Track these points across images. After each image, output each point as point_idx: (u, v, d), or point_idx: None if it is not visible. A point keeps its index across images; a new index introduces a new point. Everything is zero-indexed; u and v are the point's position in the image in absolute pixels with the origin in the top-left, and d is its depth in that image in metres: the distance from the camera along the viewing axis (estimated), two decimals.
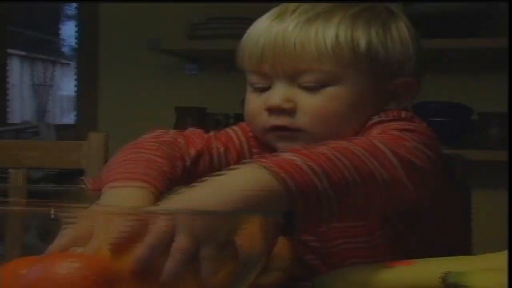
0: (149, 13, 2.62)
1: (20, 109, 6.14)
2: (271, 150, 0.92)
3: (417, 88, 0.98)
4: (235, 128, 1.03)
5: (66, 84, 6.27)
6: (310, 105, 0.90)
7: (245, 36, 0.96)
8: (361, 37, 0.90)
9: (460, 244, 1.09)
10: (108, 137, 1.32)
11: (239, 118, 2.32)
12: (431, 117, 2.17)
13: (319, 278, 0.75)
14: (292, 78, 0.90)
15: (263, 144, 0.98)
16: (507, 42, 1.94)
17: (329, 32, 0.89)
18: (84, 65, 2.75)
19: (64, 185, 2.04)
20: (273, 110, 0.91)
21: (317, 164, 0.71)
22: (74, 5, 3.54)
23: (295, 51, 0.88)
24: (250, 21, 2.62)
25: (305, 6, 0.93)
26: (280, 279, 0.77)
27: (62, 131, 2.75)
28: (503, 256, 0.69)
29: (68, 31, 6.33)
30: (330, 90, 0.90)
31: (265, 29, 0.92)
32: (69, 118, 5.20)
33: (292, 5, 0.93)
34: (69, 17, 6.23)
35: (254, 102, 0.95)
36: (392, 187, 0.78)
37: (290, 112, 0.90)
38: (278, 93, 0.90)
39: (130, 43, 2.61)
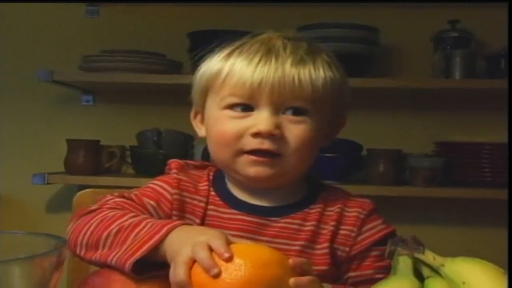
0: (43, 44, 2.58)
1: None
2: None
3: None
4: (160, 183, 1.05)
5: None
6: (296, 133, 0.97)
7: (227, 64, 0.99)
8: (337, 79, 1.02)
9: None
10: None
11: (135, 150, 2.30)
12: (321, 153, 2.23)
13: None
14: (280, 107, 0.97)
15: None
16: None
17: (319, 73, 0.99)
18: None
19: None
20: (261, 134, 0.96)
21: None
22: None
23: (294, 86, 0.97)
24: (142, 54, 2.60)
25: (290, 45, 1.00)
26: None
27: None
28: None
29: None
30: (309, 121, 0.98)
31: (259, 61, 0.98)
32: None
33: (279, 43, 1.00)
34: None
35: (233, 125, 0.99)
36: None
37: (277, 138, 0.97)
38: (268, 120, 0.96)
39: (24, 74, 2.55)
